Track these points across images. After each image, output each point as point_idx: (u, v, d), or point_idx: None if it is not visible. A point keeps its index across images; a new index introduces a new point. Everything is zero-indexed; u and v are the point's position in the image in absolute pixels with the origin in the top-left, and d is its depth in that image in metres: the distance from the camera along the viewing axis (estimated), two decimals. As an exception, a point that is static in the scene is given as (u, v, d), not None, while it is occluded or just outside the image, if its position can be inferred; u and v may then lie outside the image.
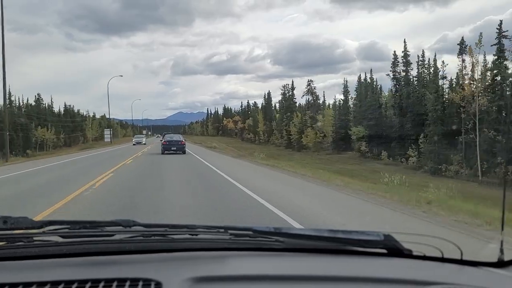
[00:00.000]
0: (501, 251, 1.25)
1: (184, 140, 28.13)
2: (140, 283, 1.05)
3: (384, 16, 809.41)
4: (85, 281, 1.05)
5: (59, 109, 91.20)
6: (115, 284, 1.05)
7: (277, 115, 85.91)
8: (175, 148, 26.14)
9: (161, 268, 1.17)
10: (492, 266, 1.24)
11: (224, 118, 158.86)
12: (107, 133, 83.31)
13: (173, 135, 29.54)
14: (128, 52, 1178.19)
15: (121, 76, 62.09)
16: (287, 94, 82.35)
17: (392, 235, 1.30)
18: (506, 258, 1.25)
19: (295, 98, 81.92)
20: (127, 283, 1.05)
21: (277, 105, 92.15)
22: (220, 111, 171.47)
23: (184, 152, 26.22)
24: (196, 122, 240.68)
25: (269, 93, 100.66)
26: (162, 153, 25.85)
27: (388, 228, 5.29)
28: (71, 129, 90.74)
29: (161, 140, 28.49)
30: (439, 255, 1.28)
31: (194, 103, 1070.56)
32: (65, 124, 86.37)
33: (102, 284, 1.05)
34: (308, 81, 74.09)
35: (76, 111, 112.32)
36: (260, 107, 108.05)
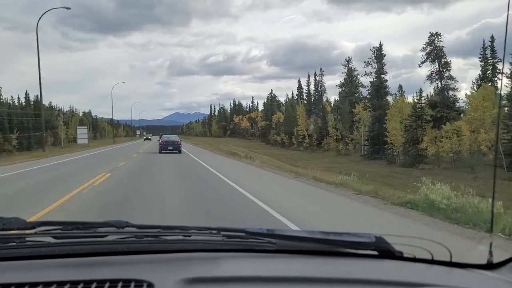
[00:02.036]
0: (490, 253, 1.25)
1: (180, 140, 29.75)
2: (132, 284, 1.05)
3: (382, 18, 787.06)
4: (77, 282, 1.05)
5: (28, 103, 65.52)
6: (107, 285, 1.04)
7: (329, 110, 58.79)
8: (171, 148, 27.34)
9: (154, 269, 1.16)
10: (481, 268, 1.24)
11: (235, 115, 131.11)
12: (81, 132, 56.16)
13: (169, 136, 31.45)
14: (124, 52, 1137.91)
15: (68, 7, 35.94)
16: (355, 73, 55.42)
17: (383, 237, 1.29)
18: (495, 260, 1.25)
19: (385, 74, 47.44)
20: (119, 284, 1.05)
21: (338, 90, 61.63)
22: (228, 108, 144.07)
23: (180, 152, 27.33)
24: (195, 122, 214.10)
25: (315, 76, 67.78)
26: (160, 152, 26.93)
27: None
28: (37, 127, 65.79)
29: (159, 140, 30.33)
30: (429, 257, 1.28)
31: (190, 104, 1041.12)
32: (26, 119, 60.75)
33: (94, 285, 1.04)
34: (432, 34, 40.53)
35: (47, 104, 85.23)
36: (298, 99, 79.96)
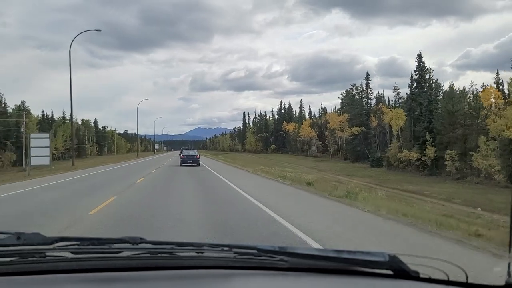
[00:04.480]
0: (509, 273, 1.19)
1: (199, 155, 33.17)
2: None
3: (406, 32, 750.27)
4: None
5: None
6: None
7: None
8: (191, 161, 30.30)
9: (167, 285, 1.18)
10: None
11: (285, 123, 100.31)
12: (36, 144, 37.23)
13: (189, 150, 36.84)
14: (148, 69, 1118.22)
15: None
16: None
17: (398, 256, 1.26)
18: None
19: None
20: None
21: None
22: (269, 115, 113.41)
23: (198, 165, 30.04)
24: (222, 135, 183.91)
25: None
26: (180, 165, 29.64)
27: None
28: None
29: (180, 155, 33.54)
30: (444, 278, 1.24)
31: (211, 119, 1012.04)
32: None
33: None
34: None
35: (13, 105, 56.80)
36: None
